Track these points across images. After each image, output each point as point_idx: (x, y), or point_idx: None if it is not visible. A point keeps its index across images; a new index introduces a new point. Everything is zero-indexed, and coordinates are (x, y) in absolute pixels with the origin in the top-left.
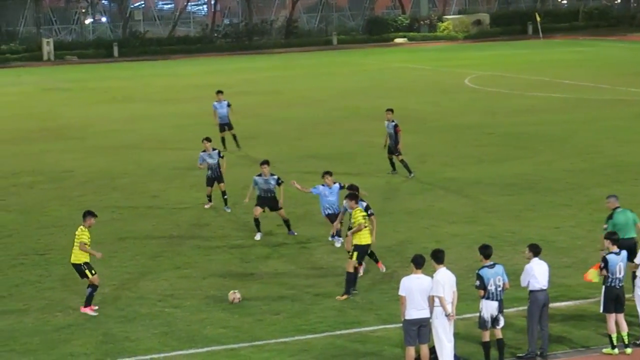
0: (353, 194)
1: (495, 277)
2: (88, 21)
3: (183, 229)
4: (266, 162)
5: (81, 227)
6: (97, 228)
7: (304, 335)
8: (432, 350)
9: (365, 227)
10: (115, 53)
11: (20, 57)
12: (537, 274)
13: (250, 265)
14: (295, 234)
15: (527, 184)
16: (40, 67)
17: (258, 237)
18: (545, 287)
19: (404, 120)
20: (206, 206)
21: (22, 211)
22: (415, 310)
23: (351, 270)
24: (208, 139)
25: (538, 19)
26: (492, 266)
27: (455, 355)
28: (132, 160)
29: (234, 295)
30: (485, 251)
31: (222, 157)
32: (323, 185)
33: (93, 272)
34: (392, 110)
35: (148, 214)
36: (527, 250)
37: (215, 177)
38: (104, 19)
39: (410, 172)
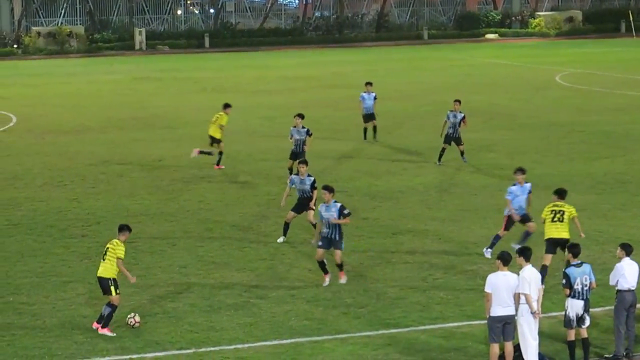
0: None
1: (582, 276)
2: (180, 12)
3: (270, 220)
4: (304, 162)
5: (116, 240)
6: (185, 218)
7: (388, 330)
8: (517, 348)
9: (552, 221)
10: (207, 44)
11: (112, 46)
12: (627, 273)
13: None
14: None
15: (617, 183)
16: (132, 56)
17: (281, 240)
18: (633, 288)
19: (494, 117)
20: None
21: (111, 199)
22: (500, 307)
23: (547, 263)
24: (300, 115)
25: (631, 17)
26: (579, 265)
27: (539, 354)
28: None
29: (133, 319)
30: (574, 250)
31: (310, 135)
32: (515, 184)
33: (117, 290)
34: (459, 102)
35: (236, 204)
36: (619, 249)
37: (297, 152)
38: (197, 11)
39: (464, 159)
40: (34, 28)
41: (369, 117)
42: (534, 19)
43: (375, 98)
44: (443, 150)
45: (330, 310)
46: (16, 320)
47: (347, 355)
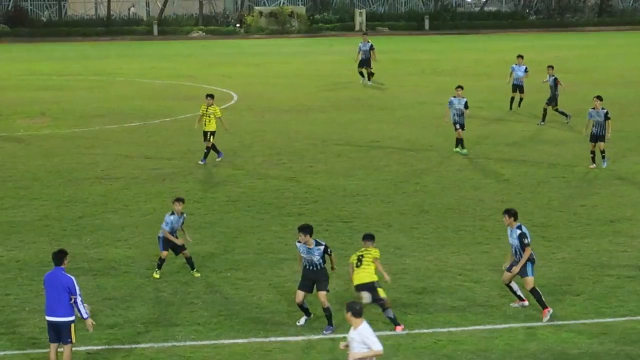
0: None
1: None
2: None
3: (487, 204)
4: (306, 229)
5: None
6: (400, 199)
7: (603, 318)
8: None
9: None
10: (426, 26)
11: (333, 27)
12: None
13: (553, 245)
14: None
15: None
16: (351, 37)
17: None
18: None
19: None
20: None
21: (328, 178)
22: None
23: None
24: None
25: None
26: None
27: None
28: (439, 133)
29: None
30: None
31: None
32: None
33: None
34: (552, 67)
35: (452, 187)
36: None
37: None
38: None
39: (566, 115)
40: (256, 8)
41: (516, 87)
42: None
43: (525, 71)
44: (544, 110)
45: (545, 297)
46: (233, 295)
47: (561, 342)
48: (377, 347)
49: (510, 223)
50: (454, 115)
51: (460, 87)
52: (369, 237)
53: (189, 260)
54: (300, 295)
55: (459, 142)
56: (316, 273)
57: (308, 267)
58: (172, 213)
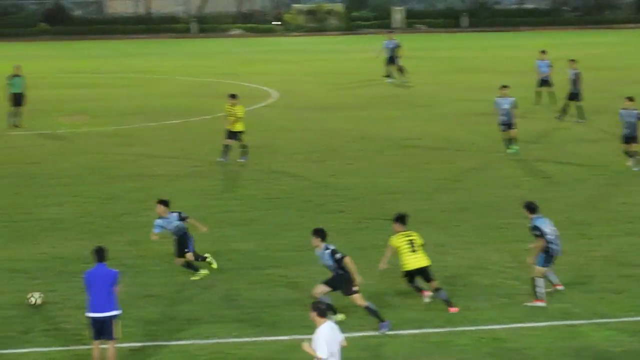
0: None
1: None
2: None
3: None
4: (316, 233)
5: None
6: (440, 196)
7: None
8: None
9: None
10: (464, 23)
11: (370, 24)
12: None
13: (594, 242)
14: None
15: None
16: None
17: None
18: None
19: None
20: None
21: (368, 176)
22: None
23: None
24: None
25: None
26: None
27: None
28: (478, 131)
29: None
30: None
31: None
32: None
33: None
34: (574, 61)
35: (492, 185)
36: None
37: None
38: None
39: (563, 114)
40: (294, 5)
41: (542, 82)
42: None
43: (549, 65)
44: (565, 105)
45: (586, 294)
46: (275, 292)
47: (603, 340)
48: (320, 354)
49: (528, 217)
50: (501, 115)
51: (505, 86)
52: (400, 220)
53: (190, 265)
54: (319, 288)
55: (509, 141)
56: (338, 279)
57: (331, 271)
58: (160, 217)
